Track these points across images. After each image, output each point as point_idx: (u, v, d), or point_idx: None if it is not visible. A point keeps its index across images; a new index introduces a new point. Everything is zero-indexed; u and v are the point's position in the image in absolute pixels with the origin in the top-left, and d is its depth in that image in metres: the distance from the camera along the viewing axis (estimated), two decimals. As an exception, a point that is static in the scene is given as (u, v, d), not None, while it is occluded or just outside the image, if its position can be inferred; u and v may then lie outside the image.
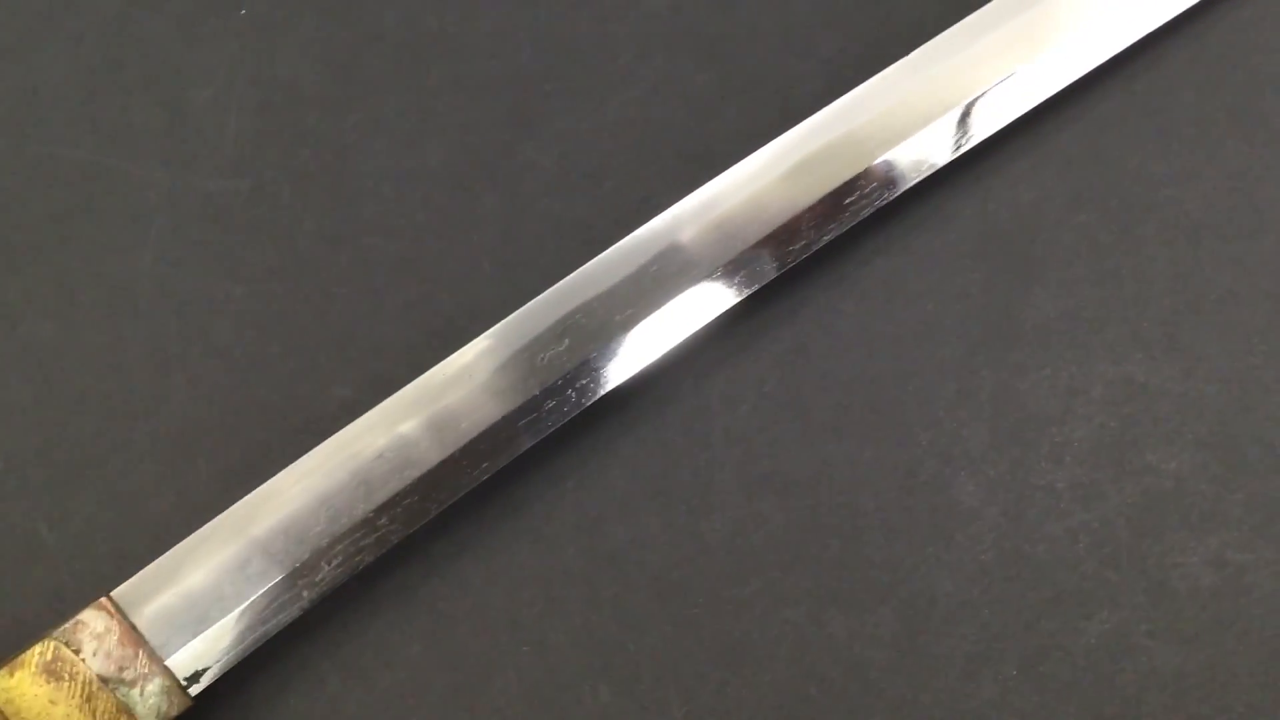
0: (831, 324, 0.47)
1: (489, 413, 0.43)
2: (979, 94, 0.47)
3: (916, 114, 0.47)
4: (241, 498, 0.42)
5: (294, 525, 0.42)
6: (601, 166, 0.51)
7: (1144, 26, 0.48)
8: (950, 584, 0.43)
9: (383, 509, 0.43)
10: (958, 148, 0.47)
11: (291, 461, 0.43)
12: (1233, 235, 0.46)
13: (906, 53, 0.48)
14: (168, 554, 0.42)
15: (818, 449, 0.46)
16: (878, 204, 0.46)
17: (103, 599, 0.41)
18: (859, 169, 0.46)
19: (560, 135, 0.52)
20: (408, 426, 0.43)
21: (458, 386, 0.44)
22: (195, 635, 0.41)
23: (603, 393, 0.44)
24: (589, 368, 0.44)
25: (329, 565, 0.42)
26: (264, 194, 0.51)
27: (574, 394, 0.44)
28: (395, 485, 0.43)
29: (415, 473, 0.43)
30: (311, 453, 0.43)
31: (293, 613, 0.42)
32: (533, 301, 0.45)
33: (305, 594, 0.42)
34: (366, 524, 0.42)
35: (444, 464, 0.43)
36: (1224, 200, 0.47)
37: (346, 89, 0.53)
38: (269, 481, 0.43)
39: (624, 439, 0.47)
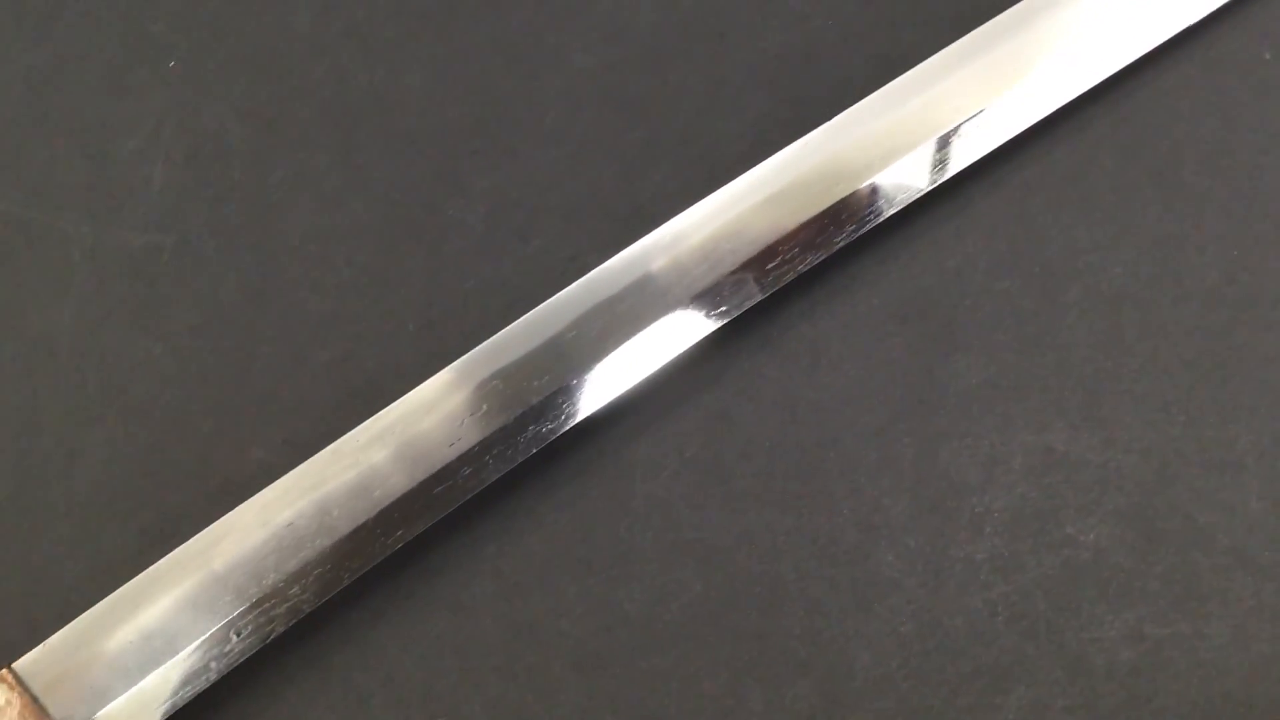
0: (755, 389, 0.46)
1: (403, 480, 0.42)
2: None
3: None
4: (155, 561, 0.40)
5: (202, 596, 0.40)
6: (528, 225, 0.49)
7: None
8: (869, 656, 0.42)
9: (294, 578, 0.41)
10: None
11: (207, 525, 0.41)
12: (1154, 303, 0.45)
13: (833, 115, 0.46)
14: (74, 623, 0.40)
15: (739, 517, 0.44)
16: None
17: (4, 670, 0.39)
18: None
19: (487, 193, 0.50)
20: (320, 493, 0.41)
21: (373, 450, 0.42)
22: (101, 709, 0.39)
23: (520, 460, 0.42)
24: (506, 434, 0.42)
25: (238, 636, 0.40)
26: (188, 249, 0.50)
27: (491, 461, 0.42)
28: (307, 554, 0.41)
29: (327, 541, 0.41)
30: (223, 519, 0.41)
31: (200, 684, 0.40)
32: (449, 367, 0.43)
33: (214, 665, 0.41)
34: (277, 594, 0.41)
35: (356, 532, 0.41)
36: (1145, 268, 0.46)
37: (274, 144, 0.52)
38: (179, 548, 0.41)
39: (545, 504, 0.45)
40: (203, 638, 0.40)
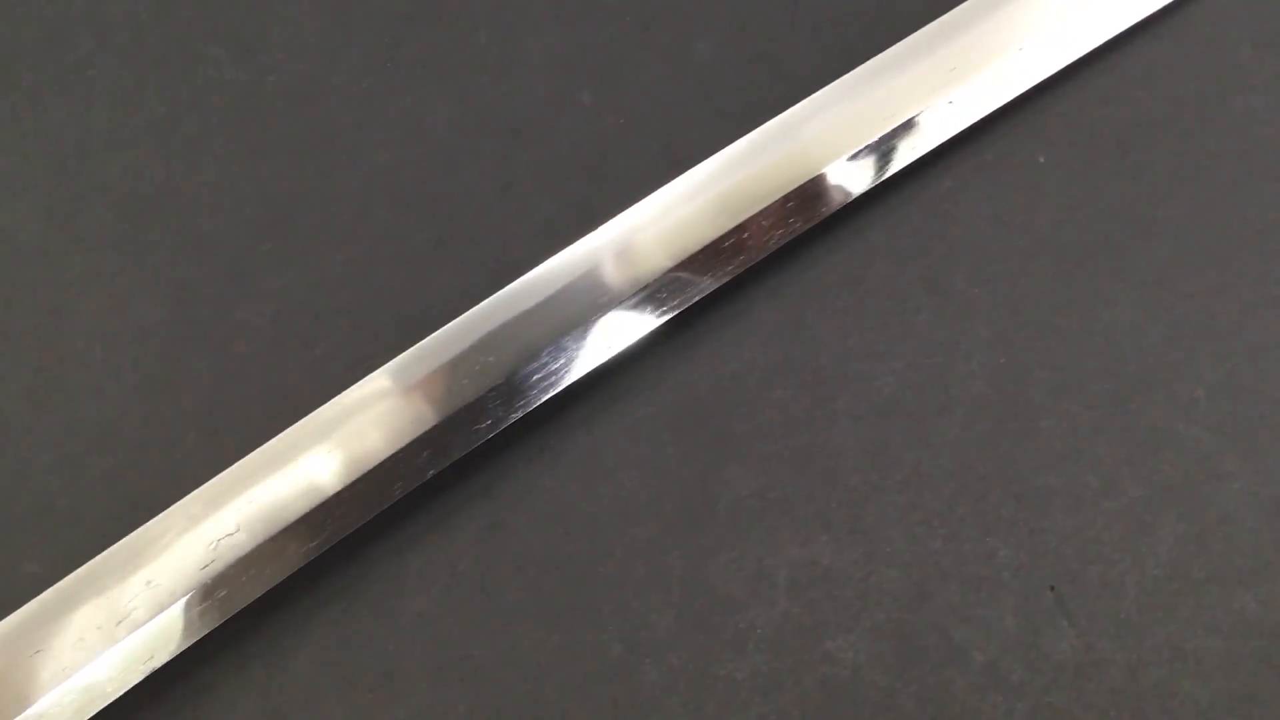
0: (530, 500, 0.43)
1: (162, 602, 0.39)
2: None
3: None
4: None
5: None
6: (315, 328, 0.46)
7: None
8: (627, 778, 0.39)
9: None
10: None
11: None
12: (921, 413, 0.43)
13: (617, 213, 0.44)
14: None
15: (507, 633, 0.41)
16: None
17: None
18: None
19: (277, 294, 0.47)
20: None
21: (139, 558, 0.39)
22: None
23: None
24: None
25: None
26: (-30, 354, 0.46)
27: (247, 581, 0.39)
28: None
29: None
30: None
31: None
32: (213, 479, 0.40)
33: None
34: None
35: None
36: (914, 376, 0.43)
37: (66, 242, 0.48)
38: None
39: (314, 620, 0.42)
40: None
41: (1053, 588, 0.40)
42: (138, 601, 0.38)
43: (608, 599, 0.41)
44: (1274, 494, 0.40)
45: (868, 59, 0.46)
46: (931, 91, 0.45)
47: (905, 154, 0.45)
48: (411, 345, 0.43)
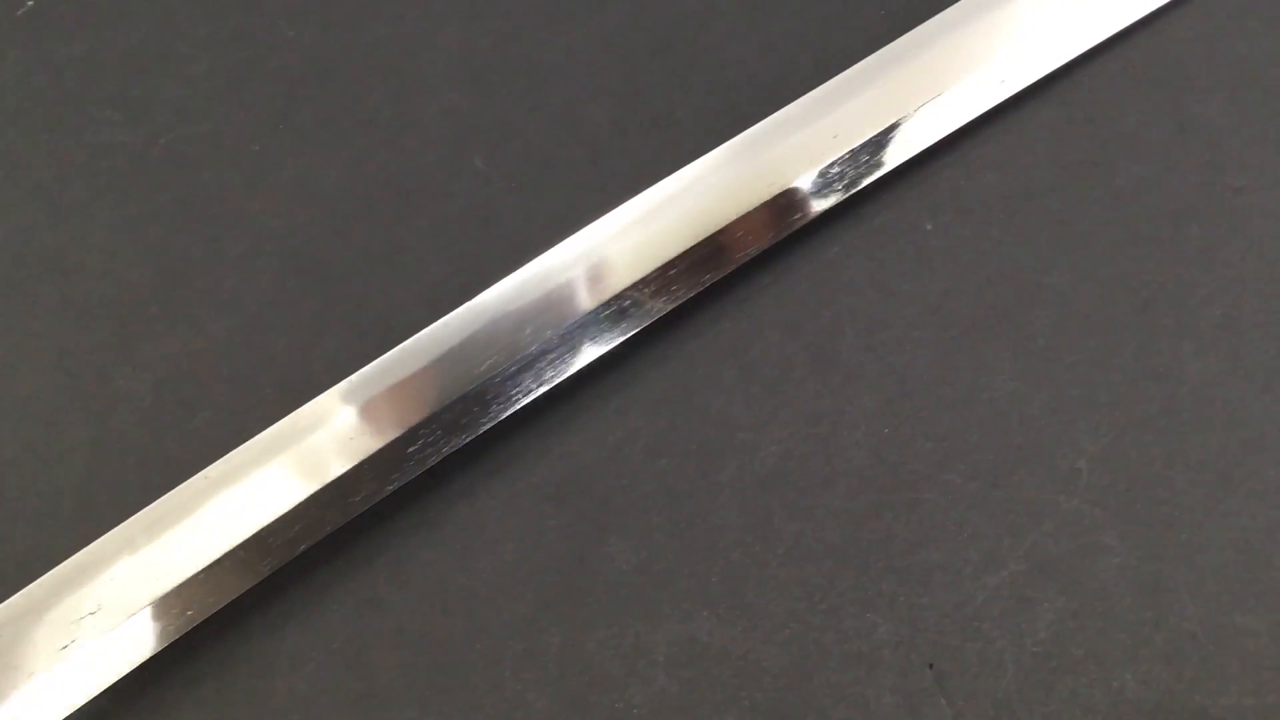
0: (408, 574, 0.41)
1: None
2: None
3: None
4: None
5: None
6: (197, 396, 0.44)
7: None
8: None
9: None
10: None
11: None
12: (804, 485, 0.41)
13: (504, 276, 0.42)
14: None
15: (380, 714, 0.39)
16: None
17: None
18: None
19: (159, 362, 0.45)
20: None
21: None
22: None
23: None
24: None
25: None
26: None
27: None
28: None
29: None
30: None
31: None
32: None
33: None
34: None
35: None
36: (799, 447, 0.41)
37: (-52, 309, 0.46)
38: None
39: (186, 698, 0.40)
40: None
41: (931, 665, 0.38)
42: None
43: (484, 678, 0.39)
44: (1152, 569, 0.38)
45: (758, 121, 0.44)
46: (814, 159, 0.43)
47: (794, 219, 0.43)
48: (291, 411, 0.40)
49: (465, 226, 0.46)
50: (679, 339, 0.43)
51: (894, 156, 0.44)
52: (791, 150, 0.43)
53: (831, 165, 0.43)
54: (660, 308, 0.42)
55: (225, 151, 0.48)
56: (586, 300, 0.41)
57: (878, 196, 0.45)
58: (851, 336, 0.43)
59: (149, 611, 0.37)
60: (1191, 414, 0.40)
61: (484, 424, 0.41)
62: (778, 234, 0.43)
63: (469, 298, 0.42)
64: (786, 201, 0.42)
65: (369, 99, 0.49)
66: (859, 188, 0.44)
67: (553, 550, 0.41)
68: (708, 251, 0.42)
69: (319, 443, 0.40)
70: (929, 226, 0.44)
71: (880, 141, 0.44)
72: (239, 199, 0.47)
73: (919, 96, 0.44)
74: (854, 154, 0.43)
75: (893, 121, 0.44)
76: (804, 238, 0.44)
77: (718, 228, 0.42)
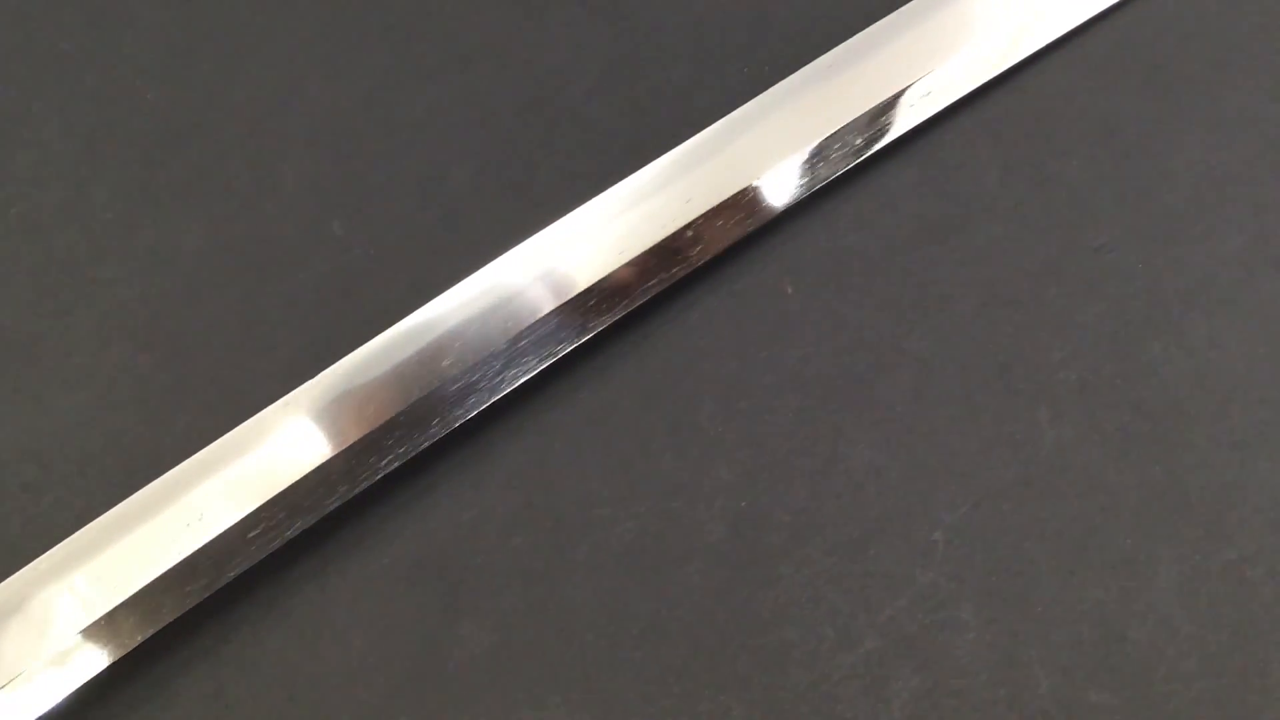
0: (254, 663, 0.39)
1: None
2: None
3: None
4: None
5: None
6: (41, 479, 0.42)
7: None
8: None
9: None
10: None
11: None
12: (660, 562, 0.39)
13: (360, 344, 0.39)
14: None
15: (222, 812, 0.37)
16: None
17: None
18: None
19: (3, 441, 0.42)
20: None
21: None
22: None
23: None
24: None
25: None
26: None
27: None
28: None
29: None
30: None
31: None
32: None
33: None
34: None
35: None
36: (655, 523, 0.39)
37: None
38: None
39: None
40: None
41: (785, 750, 0.36)
42: None
43: (329, 772, 0.37)
44: (1007, 644, 0.37)
45: (619, 181, 0.42)
46: (675, 218, 0.41)
47: (649, 285, 0.41)
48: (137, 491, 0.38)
49: (322, 295, 0.44)
50: (535, 409, 0.41)
51: (755, 218, 0.42)
52: (645, 214, 0.41)
53: (687, 228, 0.41)
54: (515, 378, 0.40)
55: (79, 220, 0.46)
56: (435, 377, 0.39)
57: (739, 259, 0.43)
58: (710, 406, 0.41)
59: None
60: (1047, 482, 0.39)
61: (329, 505, 0.38)
62: (632, 301, 0.41)
63: (324, 368, 0.40)
64: (639, 268, 0.40)
65: (227, 163, 0.46)
66: (716, 251, 0.42)
67: (404, 635, 0.39)
68: (543, 329, 0.40)
69: (158, 525, 0.37)
70: (790, 290, 0.42)
71: (736, 203, 0.42)
72: (91, 270, 0.45)
73: (777, 156, 0.42)
74: (706, 219, 0.41)
75: (749, 183, 0.42)
76: (664, 302, 0.42)
77: (568, 297, 0.40)
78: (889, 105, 0.43)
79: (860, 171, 0.44)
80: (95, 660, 0.36)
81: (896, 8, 0.45)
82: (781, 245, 0.43)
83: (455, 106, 0.47)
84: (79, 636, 0.36)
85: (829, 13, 0.47)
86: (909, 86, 0.43)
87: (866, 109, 0.43)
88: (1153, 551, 0.37)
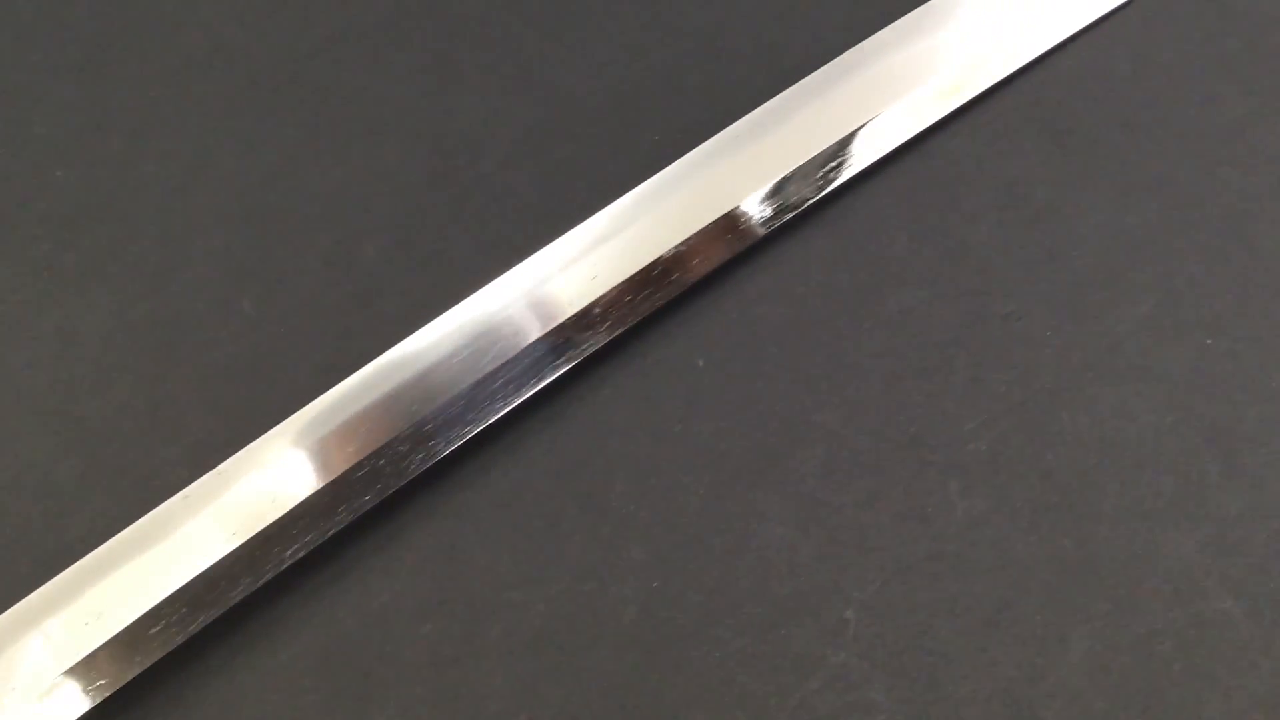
0: (157, 764, 0.37)
1: None
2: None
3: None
4: None
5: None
6: (-56, 574, 0.40)
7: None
8: None
9: None
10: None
11: None
12: (571, 646, 0.38)
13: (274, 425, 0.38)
14: None
15: None
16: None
17: None
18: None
19: (-95, 537, 0.41)
20: None
21: None
22: None
23: None
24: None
25: None
26: None
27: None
28: None
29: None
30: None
31: None
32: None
33: None
34: None
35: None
36: (567, 605, 0.38)
37: None
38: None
39: None
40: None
41: (695, 840, 0.35)
42: None
43: None
44: (918, 726, 0.36)
45: (534, 252, 0.42)
46: (582, 295, 0.40)
47: (559, 361, 0.40)
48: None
49: (232, 376, 0.43)
50: (446, 490, 0.40)
51: (664, 291, 0.41)
52: (551, 291, 0.40)
53: (594, 305, 0.40)
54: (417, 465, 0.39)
55: (-15, 303, 0.44)
56: (373, 441, 0.38)
57: (650, 333, 0.42)
58: (622, 484, 0.40)
59: None
60: (958, 556, 0.38)
61: (233, 597, 0.37)
62: (541, 379, 0.40)
63: (234, 451, 0.39)
64: (546, 348, 0.40)
65: (137, 241, 0.45)
66: (625, 327, 0.41)
67: (312, 728, 0.37)
68: (462, 406, 0.39)
69: (48, 631, 0.36)
70: (701, 364, 0.41)
71: (645, 277, 0.41)
72: (-3, 354, 0.43)
73: (686, 228, 0.41)
74: (611, 296, 0.40)
75: (658, 256, 0.41)
76: (575, 380, 0.41)
77: (479, 376, 0.39)
78: (798, 174, 0.42)
79: (771, 240, 0.43)
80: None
81: (807, 74, 0.44)
82: (693, 318, 0.42)
83: (367, 179, 0.46)
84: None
85: (741, 81, 0.46)
86: (819, 154, 0.43)
87: (776, 178, 0.42)
88: (1063, 626, 0.37)
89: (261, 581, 0.38)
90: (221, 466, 0.38)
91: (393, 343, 0.41)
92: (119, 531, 0.38)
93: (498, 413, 0.40)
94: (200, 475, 0.38)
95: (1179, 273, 0.41)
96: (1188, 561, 0.37)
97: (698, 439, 0.41)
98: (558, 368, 0.40)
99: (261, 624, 0.39)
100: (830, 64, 0.44)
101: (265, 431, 0.39)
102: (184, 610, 0.37)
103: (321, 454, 0.38)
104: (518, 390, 0.40)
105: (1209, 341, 0.40)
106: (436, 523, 0.40)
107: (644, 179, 0.43)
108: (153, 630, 0.37)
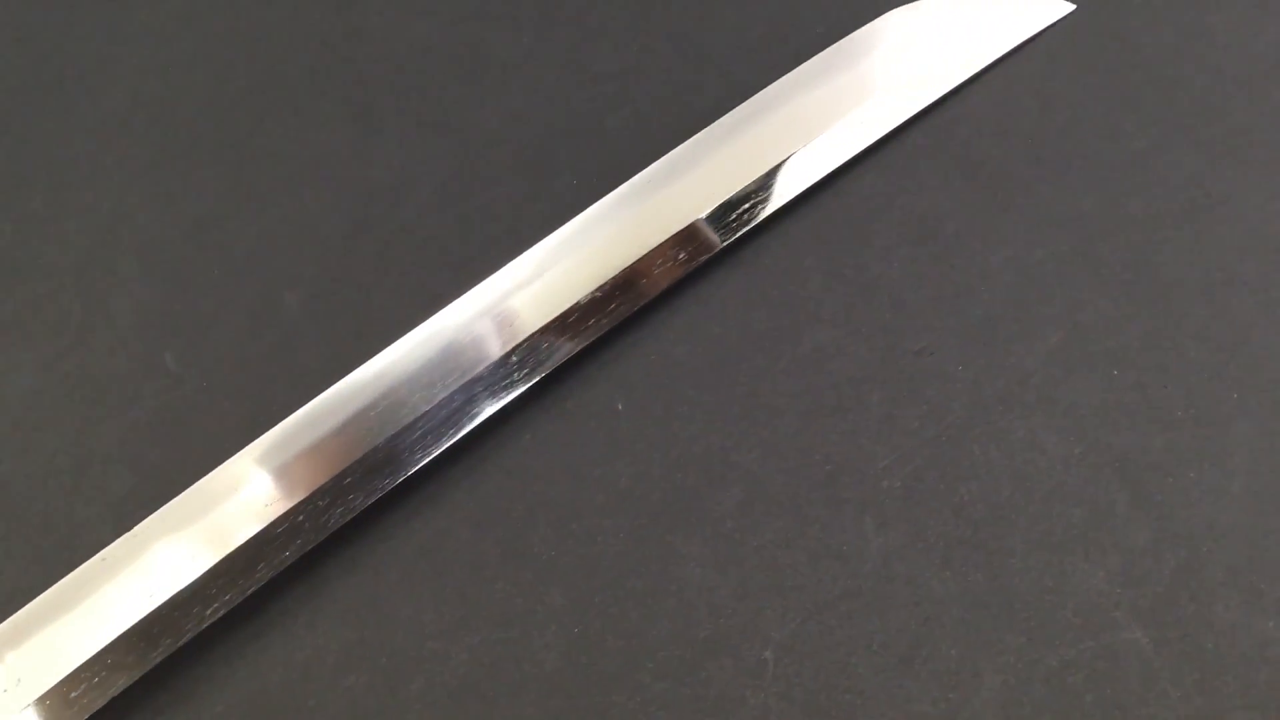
0: (82, 825, 0.36)
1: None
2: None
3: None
4: None
5: None
6: None
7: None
8: None
9: None
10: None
11: None
12: (494, 694, 0.37)
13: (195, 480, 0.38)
14: None
15: None
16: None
17: None
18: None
19: None
20: None
21: None
22: None
23: None
24: None
25: None
26: None
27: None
28: None
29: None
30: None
31: None
32: None
33: None
34: None
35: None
36: (489, 653, 0.38)
37: None
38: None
39: None
40: None
41: None
42: None
43: None
44: (836, 766, 0.36)
45: (455, 298, 0.41)
46: (500, 343, 0.40)
47: (473, 413, 0.40)
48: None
49: (155, 432, 0.42)
50: (369, 542, 0.40)
51: (580, 337, 0.41)
52: (469, 339, 0.40)
53: (511, 353, 0.40)
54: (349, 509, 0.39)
55: (-95, 364, 0.44)
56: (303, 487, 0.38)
57: (570, 378, 0.42)
58: (543, 529, 0.40)
59: None
60: (874, 593, 0.38)
61: (154, 658, 0.37)
62: (460, 427, 0.40)
63: (158, 507, 0.38)
64: (464, 397, 0.39)
65: (59, 298, 0.45)
66: (544, 373, 0.40)
67: (237, 785, 0.37)
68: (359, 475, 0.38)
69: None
70: (620, 407, 0.41)
71: (561, 324, 0.41)
72: (-83, 416, 0.43)
73: (598, 276, 0.41)
74: (529, 345, 0.40)
75: (574, 302, 0.41)
76: (495, 426, 0.41)
77: (398, 428, 0.39)
78: (713, 216, 0.42)
79: (688, 282, 0.43)
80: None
81: (721, 115, 0.44)
82: (612, 362, 0.42)
83: (288, 231, 0.46)
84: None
85: (656, 124, 0.46)
86: (733, 196, 0.43)
87: (690, 220, 0.42)
88: (977, 661, 0.37)
89: (182, 641, 0.37)
90: (139, 527, 0.38)
91: (315, 394, 0.40)
92: (40, 594, 0.37)
93: (417, 464, 0.40)
94: (123, 534, 0.38)
95: (1086, 305, 0.41)
96: (1097, 592, 0.37)
97: (618, 482, 0.40)
98: (476, 416, 0.40)
99: (185, 682, 0.39)
100: (742, 106, 0.44)
101: (186, 488, 0.39)
102: (104, 673, 0.36)
103: (241, 511, 0.38)
104: (437, 440, 0.40)
105: (1116, 372, 0.40)
106: (358, 575, 0.40)
107: (562, 223, 0.43)
108: (73, 694, 0.36)
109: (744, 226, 0.42)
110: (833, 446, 0.40)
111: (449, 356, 0.40)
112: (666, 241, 0.42)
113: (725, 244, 0.42)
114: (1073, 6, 0.47)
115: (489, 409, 0.40)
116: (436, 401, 0.39)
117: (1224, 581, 0.36)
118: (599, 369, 0.42)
